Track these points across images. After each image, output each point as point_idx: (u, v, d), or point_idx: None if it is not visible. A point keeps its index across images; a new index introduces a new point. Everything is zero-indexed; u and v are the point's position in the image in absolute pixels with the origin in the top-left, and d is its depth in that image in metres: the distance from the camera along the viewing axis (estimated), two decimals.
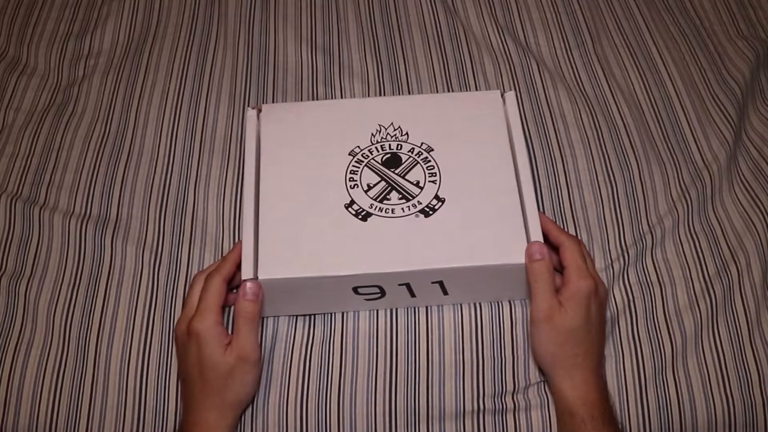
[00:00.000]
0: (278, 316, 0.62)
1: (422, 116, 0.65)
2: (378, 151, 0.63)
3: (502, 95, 0.66)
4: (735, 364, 0.59)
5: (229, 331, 0.58)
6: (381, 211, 0.59)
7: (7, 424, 0.58)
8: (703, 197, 0.68)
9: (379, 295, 0.59)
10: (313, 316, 0.62)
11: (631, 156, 0.71)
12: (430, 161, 0.62)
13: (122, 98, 0.77)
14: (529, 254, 0.56)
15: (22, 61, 0.81)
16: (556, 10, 0.84)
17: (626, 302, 0.63)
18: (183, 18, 0.84)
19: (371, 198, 0.60)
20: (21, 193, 0.70)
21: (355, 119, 0.65)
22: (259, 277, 0.56)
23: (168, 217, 0.68)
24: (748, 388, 0.59)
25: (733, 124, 0.72)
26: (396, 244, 0.57)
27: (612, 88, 0.77)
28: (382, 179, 0.61)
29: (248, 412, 0.58)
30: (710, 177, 0.69)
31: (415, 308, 0.62)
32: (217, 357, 0.53)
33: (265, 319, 0.62)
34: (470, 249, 0.57)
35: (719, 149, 0.71)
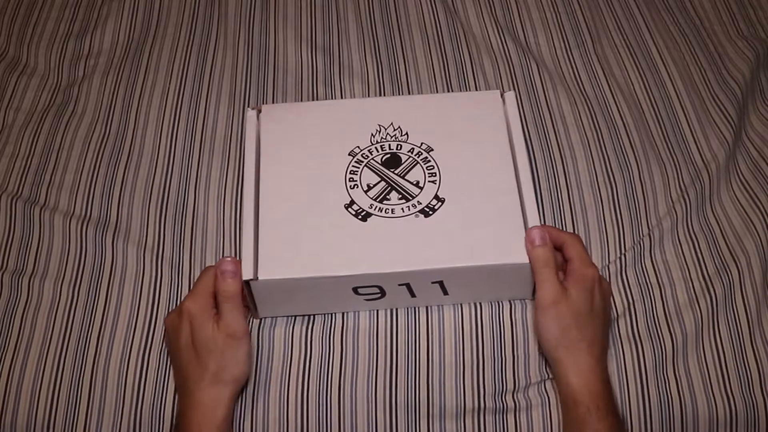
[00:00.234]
0: (278, 316, 0.62)
1: (422, 116, 0.65)
2: (378, 152, 0.63)
3: (501, 95, 0.66)
4: (735, 362, 0.59)
5: None
6: (381, 211, 0.59)
7: (5, 422, 0.58)
8: (701, 197, 0.68)
9: (379, 295, 0.59)
10: (313, 316, 0.62)
11: (630, 156, 0.71)
12: (429, 161, 0.62)
13: (122, 98, 0.77)
14: (530, 239, 0.56)
15: (22, 61, 0.81)
16: (556, 10, 0.84)
17: (626, 302, 0.63)
18: (183, 18, 0.84)
19: (371, 198, 0.60)
20: (21, 193, 0.70)
21: (355, 119, 0.65)
22: (259, 278, 0.56)
23: (168, 217, 0.68)
24: (749, 386, 0.59)
25: (733, 124, 0.72)
26: (396, 244, 0.57)
27: (612, 88, 0.77)
28: (382, 179, 0.61)
29: (249, 409, 0.58)
30: (709, 177, 0.69)
31: (415, 307, 0.62)
32: (208, 334, 0.54)
33: (264, 318, 0.62)
34: (470, 249, 0.57)
35: (719, 149, 0.71)
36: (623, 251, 0.66)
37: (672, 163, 0.71)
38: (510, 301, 0.63)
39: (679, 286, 0.63)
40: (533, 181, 0.61)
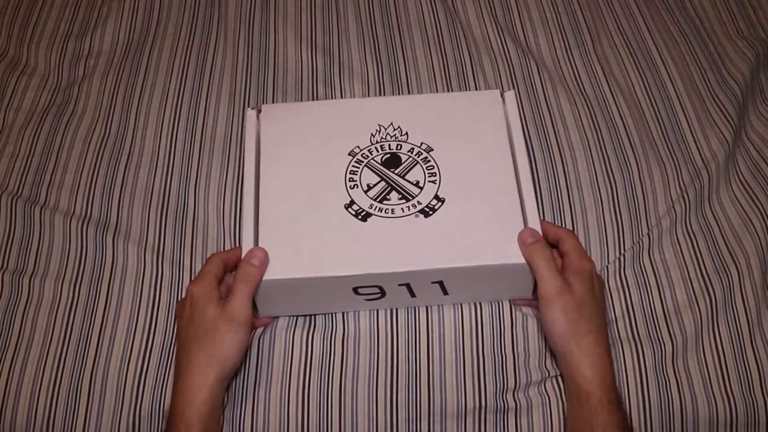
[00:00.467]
0: (278, 316, 0.62)
1: (422, 116, 0.65)
2: (378, 151, 0.63)
3: (501, 95, 0.66)
4: (735, 362, 0.59)
5: None
6: (381, 211, 0.59)
7: (5, 421, 0.58)
8: (701, 197, 0.68)
9: (379, 295, 0.59)
10: (313, 315, 0.62)
11: (630, 156, 0.71)
12: (429, 161, 0.62)
13: (122, 98, 0.77)
14: (522, 240, 0.56)
15: (22, 61, 0.81)
16: (556, 10, 0.84)
17: (625, 302, 0.63)
18: (183, 18, 0.84)
19: (371, 198, 0.60)
20: (21, 193, 0.70)
21: (355, 119, 0.65)
22: None
23: (168, 217, 0.68)
24: (749, 386, 0.59)
25: (733, 124, 0.72)
26: (396, 245, 0.57)
27: (612, 88, 0.77)
28: (382, 179, 0.61)
29: (249, 409, 0.58)
30: (708, 177, 0.69)
31: (415, 307, 0.62)
32: (206, 313, 0.54)
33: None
34: (470, 249, 0.57)
35: (718, 149, 0.71)
36: (623, 251, 0.66)
37: (672, 163, 0.71)
38: (510, 301, 0.63)
39: (679, 286, 0.63)
40: (533, 181, 0.61)
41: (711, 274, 0.64)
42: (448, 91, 0.77)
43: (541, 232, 0.57)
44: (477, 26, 0.83)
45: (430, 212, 0.59)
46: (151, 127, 0.74)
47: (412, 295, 0.59)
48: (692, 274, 0.64)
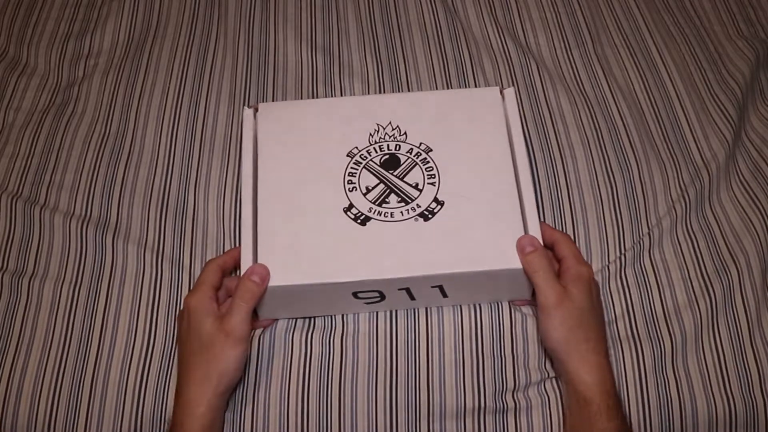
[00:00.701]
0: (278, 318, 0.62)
1: (421, 115, 0.64)
2: (376, 152, 0.62)
3: (501, 92, 0.65)
4: (735, 363, 0.59)
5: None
6: (380, 214, 0.59)
7: (5, 422, 0.58)
8: (701, 197, 0.68)
9: (379, 299, 0.59)
10: (313, 317, 0.62)
11: (630, 156, 0.71)
12: (428, 162, 0.62)
13: (122, 98, 0.77)
14: (521, 248, 0.56)
15: (22, 61, 0.81)
16: (556, 10, 0.84)
17: (625, 302, 0.63)
18: (183, 18, 0.84)
19: (370, 201, 0.60)
20: (21, 193, 0.70)
21: (353, 118, 0.64)
22: None
23: (168, 217, 0.68)
24: (749, 387, 0.59)
25: (733, 124, 0.72)
26: (395, 250, 0.57)
27: (612, 88, 0.77)
28: (381, 181, 0.61)
29: (249, 410, 0.58)
30: (709, 176, 0.69)
31: (414, 308, 0.62)
32: (203, 327, 0.54)
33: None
34: (470, 254, 0.56)
35: (719, 149, 0.71)
36: (623, 251, 0.66)
37: (672, 163, 0.71)
38: (509, 302, 0.63)
39: (679, 286, 0.63)
40: (533, 183, 0.61)
41: (711, 274, 0.64)
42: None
43: (540, 238, 0.57)
44: (477, 26, 0.83)
45: (430, 216, 0.59)
46: (151, 126, 0.74)
47: (412, 298, 0.59)
48: (692, 274, 0.64)
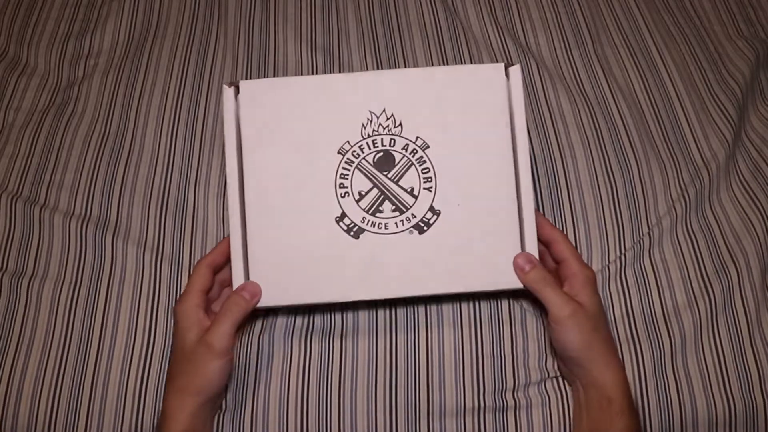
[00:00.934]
0: (277, 315, 0.62)
1: (417, 100, 0.58)
2: (369, 148, 0.58)
3: (506, 68, 0.58)
4: (735, 363, 0.59)
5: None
6: (374, 226, 0.57)
7: (5, 423, 0.58)
8: (701, 197, 0.68)
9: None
10: (312, 315, 0.62)
11: (630, 156, 0.71)
12: (425, 162, 0.58)
13: (122, 98, 0.77)
14: (519, 268, 0.55)
15: (22, 61, 0.81)
16: (556, 10, 0.84)
17: (625, 302, 0.63)
18: (183, 18, 0.84)
19: (363, 210, 0.57)
20: (21, 192, 0.70)
21: (344, 103, 0.58)
22: None
23: (168, 217, 0.68)
24: (749, 387, 0.59)
25: (733, 124, 0.72)
26: (389, 267, 0.56)
27: (612, 88, 0.77)
28: (375, 186, 0.57)
29: (249, 410, 0.58)
30: (709, 176, 0.69)
31: (414, 306, 0.62)
32: (186, 337, 0.54)
33: (264, 319, 0.62)
34: (465, 272, 0.55)
35: (719, 149, 0.71)
36: (623, 251, 0.66)
37: (672, 163, 0.71)
38: (509, 300, 0.63)
39: (678, 286, 0.63)
40: (533, 186, 0.59)
41: (711, 274, 0.64)
42: None
43: (536, 253, 0.56)
44: (477, 26, 0.83)
45: (425, 228, 0.56)
46: (151, 126, 0.74)
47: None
48: (692, 275, 0.64)
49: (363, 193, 0.57)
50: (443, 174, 0.58)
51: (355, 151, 0.58)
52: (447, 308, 0.62)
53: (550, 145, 0.72)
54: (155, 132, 0.74)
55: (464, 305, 0.62)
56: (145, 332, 0.62)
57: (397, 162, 0.58)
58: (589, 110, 0.75)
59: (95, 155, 0.72)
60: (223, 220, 0.68)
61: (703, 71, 0.78)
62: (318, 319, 0.62)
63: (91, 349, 0.61)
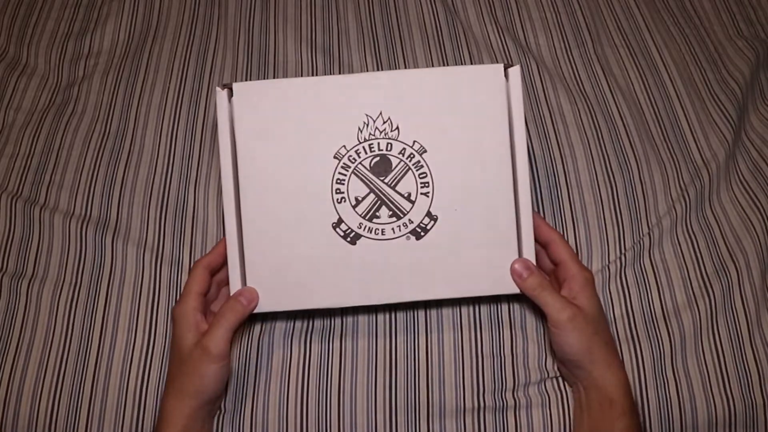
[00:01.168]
0: (277, 317, 0.62)
1: (415, 103, 0.57)
2: (366, 153, 0.57)
3: (505, 69, 0.57)
4: (735, 363, 0.59)
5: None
6: (370, 231, 0.56)
7: (6, 424, 0.58)
8: (701, 197, 0.68)
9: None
10: (311, 317, 0.62)
11: (630, 156, 0.71)
12: (422, 166, 0.57)
13: (122, 98, 0.77)
14: (517, 275, 0.55)
15: (22, 61, 0.81)
16: (556, 10, 0.84)
17: (625, 302, 0.63)
18: (183, 18, 0.84)
19: (360, 215, 0.56)
20: (21, 192, 0.70)
21: (340, 106, 0.57)
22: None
23: (168, 217, 0.68)
24: (748, 387, 0.59)
25: (733, 124, 0.72)
26: (386, 273, 0.56)
27: (612, 88, 0.77)
28: (371, 191, 0.57)
29: (249, 410, 0.58)
30: (709, 176, 0.69)
31: (414, 309, 0.62)
32: (183, 340, 0.54)
33: (264, 319, 0.62)
34: (463, 278, 0.56)
35: (719, 149, 0.71)
36: (623, 251, 0.66)
37: (672, 163, 0.71)
38: (508, 300, 0.63)
39: (678, 286, 0.64)
40: (531, 189, 0.58)
41: (710, 274, 0.64)
42: None
43: (534, 258, 0.56)
44: (477, 26, 0.83)
45: (422, 233, 0.56)
46: (151, 126, 0.74)
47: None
48: (692, 274, 0.64)
49: (359, 199, 0.57)
50: (441, 179, 0.57)
51: (351, 156, 0.57)
52: (447, 311, 0.62)
53: (550, 145, 0.72)
54: (155, 132, 0.74)
55: (464, 308, 0.62)
56: (145, 333, 0.62)
57: (394, 167, 0.57)
58: (589, 110, 0.75)
59: (95, 155, 0.72)
60: (223, 221, 0.68)
61: (703, 71, 0.78)
62: (317, 320, 0.62)
63: (91, 350, 0.61)
